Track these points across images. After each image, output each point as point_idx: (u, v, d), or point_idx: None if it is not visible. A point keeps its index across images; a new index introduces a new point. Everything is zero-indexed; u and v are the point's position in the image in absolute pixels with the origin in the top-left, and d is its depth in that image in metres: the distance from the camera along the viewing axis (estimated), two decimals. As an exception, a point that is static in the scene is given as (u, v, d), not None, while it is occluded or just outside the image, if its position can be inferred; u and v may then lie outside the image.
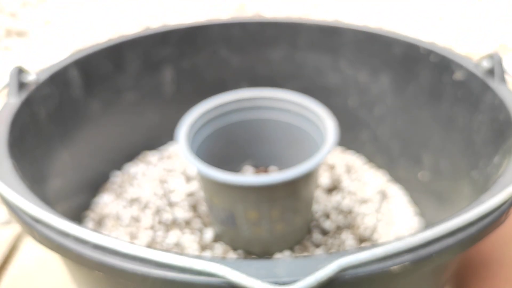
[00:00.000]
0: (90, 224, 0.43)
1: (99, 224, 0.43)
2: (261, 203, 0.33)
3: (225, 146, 0.43)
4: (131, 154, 0.52)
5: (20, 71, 0.33)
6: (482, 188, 0.31)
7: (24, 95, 0.33)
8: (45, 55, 1.01)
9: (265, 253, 0.39)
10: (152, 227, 0.43)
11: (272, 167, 0.47)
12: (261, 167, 0.48)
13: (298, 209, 0.36)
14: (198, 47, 0.51)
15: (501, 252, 0.32)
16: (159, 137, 0.55)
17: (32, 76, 0.35)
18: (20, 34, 1.12)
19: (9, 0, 1.21)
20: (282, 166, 0.47)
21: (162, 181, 0.49)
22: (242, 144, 0.45)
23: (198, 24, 0.50)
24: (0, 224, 0.53)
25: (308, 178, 0.34)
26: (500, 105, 0.31)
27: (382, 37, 0.45)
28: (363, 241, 0.41)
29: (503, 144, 0.29)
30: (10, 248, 0.49)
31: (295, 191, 0.34)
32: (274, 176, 0.31)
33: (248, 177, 0.31)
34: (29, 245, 0.49)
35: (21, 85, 0.33)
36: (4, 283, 0.44)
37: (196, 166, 0.33)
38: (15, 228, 0.52)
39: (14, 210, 0.22)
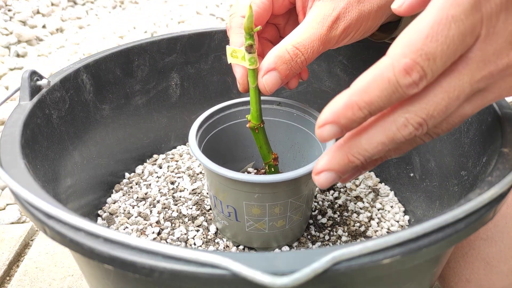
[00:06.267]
0: (100, 220, 0.44)
1: (109, 220, 0.44)
2: (265, 200, 0.34)
3: (228, 146, 0.44)
4: (139, 155, 0.53)
5: (32, 75, 0.33)
6: (471, 187, 0.31)
7: (35, 98, 0.33)
8: (57, 61, 1.03)
9: (265, 248, 0.40)
10: (158, 224, 0.44)
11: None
12: (261, 169, 0.49)
13: (299, 207, 0.37)
14: (202, 53, 0.52)
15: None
16: (166, 139, 0.55)
17: (44, 80, 0.35)
18: (30, 41, 1.14)
19: (20, 8, 1.23)
20: (283, 167, 0.47)
21: (169, 181, 0.50)
22: (245, 144, 0.46)
23: (201, 31, 0.51)
24: (12, 223, 0.55)
25: (308, 179, 0.35)
26: (488, 107, 0.32)
27: (375, 42, 0.45)
28: (357, 236, 0.42)
29: (492, 145, 0.30)
30: (22, 245, 0.50)
31: (298, 190, 0.35)
32: (279, 175, 0.32)
33: (255, 175, 0.32)
34: (40, 242, 0.50)
35: (33, 89, 0.33)
36: (16, 277, 0.45)
37: (204, 164, 0.34)
38: (27, 226, 0.53)
39: (27, 208, 0.23)
